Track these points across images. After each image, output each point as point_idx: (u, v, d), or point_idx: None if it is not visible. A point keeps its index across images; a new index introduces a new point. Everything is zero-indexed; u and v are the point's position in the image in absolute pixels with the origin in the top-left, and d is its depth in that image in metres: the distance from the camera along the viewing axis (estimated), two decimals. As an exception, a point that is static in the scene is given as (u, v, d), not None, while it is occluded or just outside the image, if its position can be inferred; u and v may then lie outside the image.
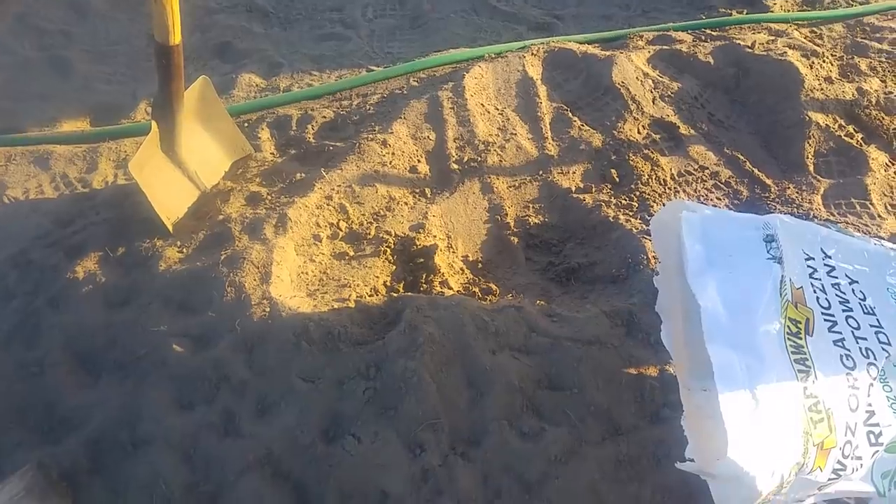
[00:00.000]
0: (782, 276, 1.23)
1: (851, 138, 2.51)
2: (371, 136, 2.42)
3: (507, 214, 2.23)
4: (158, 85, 2.04)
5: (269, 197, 2.23)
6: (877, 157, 2.44)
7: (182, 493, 1.62)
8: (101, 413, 1.74)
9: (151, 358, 1.78)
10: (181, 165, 2.22)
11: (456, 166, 2.36)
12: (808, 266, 1.27)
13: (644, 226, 2.13)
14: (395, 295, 1.89)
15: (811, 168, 2.42)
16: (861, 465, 1.16)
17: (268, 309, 1.80)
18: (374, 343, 1.73)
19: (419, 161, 2.38)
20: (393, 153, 2.36)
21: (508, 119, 2.54)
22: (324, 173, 2.25)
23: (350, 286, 1.94)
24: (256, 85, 2.83)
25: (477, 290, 2.00)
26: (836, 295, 1.24)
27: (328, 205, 2.16)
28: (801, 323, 1.18)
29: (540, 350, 1.77)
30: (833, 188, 2.35)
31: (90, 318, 1.90)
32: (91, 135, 2.64)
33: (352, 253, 2.07)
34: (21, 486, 1.54)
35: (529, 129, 2.52)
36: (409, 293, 1.88)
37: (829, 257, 1.31)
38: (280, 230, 2.03)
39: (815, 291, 1.23)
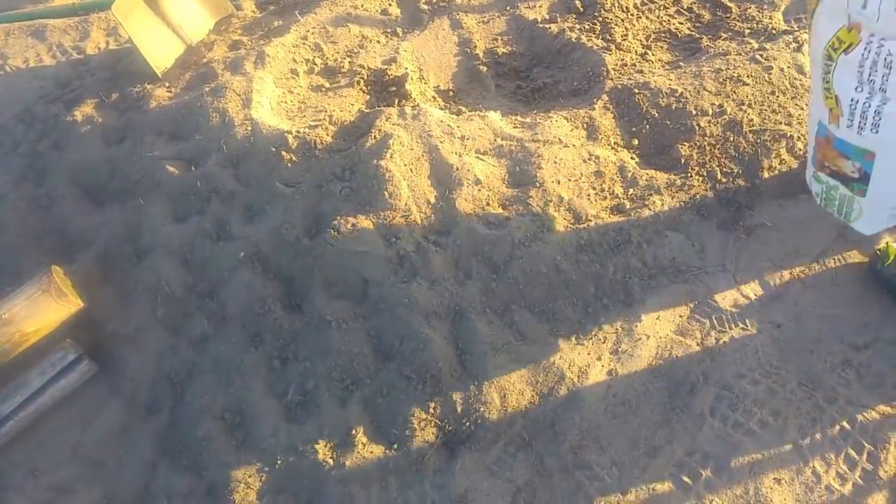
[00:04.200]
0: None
1: (814, -40, 2.33)
2: (344, -16, 2.30)
3: (476, 47, 2.14)
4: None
5: (250, 42, 2.15)
6: (839, -25, 2.28)
7: (183, 291, 1.65)
8: (106, 232, 1.76)
9: (147, 180, 1.77)
10: (165, 18, 2.14)
11: (426, 6, 2.25)
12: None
13: (604, 43, 2.03)
14: (366, 111, 1.84)
15: (773, -11, 2.27)
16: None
17: (250, 129, 1.77)
18: (349, 150, 1.70)
19: (390, 4, 2.27)
20: (365, -3, 2.25)
21: (477, -37, 2.40)
22: (298, 16, 2.15)
23: (326, 111, 1.90)
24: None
25: (448, 112, 1.95)
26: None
27: (304, 44, 2.08)
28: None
29: (504, 152, 1.74)
30: (795, 4, 2.21)
31: (91, 155, 1.89)
32: (81, 7, 2.54)
33: (328, 85, 2.01)
34: (38, 287, 1.58)
35: (497, -29, 2.38)
36: (380, 108, 1.82)
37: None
38: (259, 65, 1.97)
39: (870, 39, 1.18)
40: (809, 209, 1.77)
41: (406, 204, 1.62)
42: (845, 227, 1.74)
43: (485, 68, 2.08)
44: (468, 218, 1.63)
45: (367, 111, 1.82)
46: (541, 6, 2.25)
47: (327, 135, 1.73)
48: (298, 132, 1.72)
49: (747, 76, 1.88)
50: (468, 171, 1.67)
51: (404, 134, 1.68)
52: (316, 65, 2.05)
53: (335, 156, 1.68)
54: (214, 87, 1.89)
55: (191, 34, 2.21)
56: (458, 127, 1.74)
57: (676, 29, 2.16)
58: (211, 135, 1.78)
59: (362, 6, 2.23)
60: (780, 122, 1.83)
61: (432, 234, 1.62)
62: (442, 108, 1.97)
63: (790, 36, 2.00)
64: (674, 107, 1.83)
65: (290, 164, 1.68)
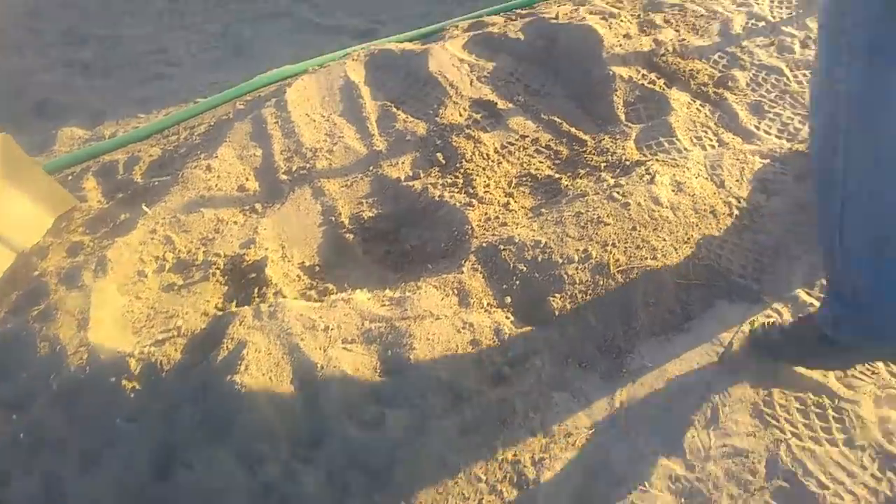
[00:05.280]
0: None
1: (654, 84, 2.56)
2: (196, 163, 2.28)
3: (340, 214, 2.14)
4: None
5: (92, 244, 2.05)
6: (678, 97, 2.50)
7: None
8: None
9: (-37, 438, 1.58)
10: (-9, 230, 2.02)
11: (285, 177, 2.25)
12: None
13: (467, 198, 2.09)
14: (219, 314, 1.75)
15: (622, 117, 2.45)
16: None
17: (85, 356, 1.64)
18: (200, 365, 1.59)
19: (247, 179, 2.26)
20: (218, 176, 2.23)
21: (335, 124, 2.46)
22: (146, 209, 2.09)
23: (178, 315, 1.80)
24: (80, 137, 2.64)
25: (314, 293, 1.90)
26: None
27: (152, 239, 2.01)
28: None
29: (373, 336, 1.69)
30: (643, 132, 2.38)
31: None
32: None
33: (181, 282, 1.92)
34: None
35: (357, 130, 2.44)
36: (233, 309, 1.75)
37: None
38: (100, 273, 1.86)
39: None
40: (687, 342, 1.81)
41: (267, 420, 1.51)
42: (723, 353, 1.79)
43: (351, 236, 2.07)
44: (339, 422, 1.54)
45: (220, 314, 1.74)
46: (403, 162, 2.30)
47: (176, 350, 1.63)
48: (142, 353, 1.60)
49: (607, 216, 1.96)
50: (335, 367, 1.60)
51: (261, 338, 1.61)
52: (167, 260, 1.97)
53: (185, 375, 1.57)
54: (45, 309, 1.76)
55: (23, 239, 2.09)
56: (321, 317, 1.69)
57: (537, 169, 2.26)
58: (39, 370, 1.63)
59: (216, 186, 2.20)
60: (646, 258, 1.90)
61: (301, 449, 1.51)
62: (307, 288, 1.93)
63: (642, 167, 2.13)
64: (540, 259, 1.86)
65: (132, 395, 1.55)
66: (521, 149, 2.36)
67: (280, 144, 2.37)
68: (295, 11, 3.22)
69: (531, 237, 1.90)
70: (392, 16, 3.17)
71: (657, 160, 2.21)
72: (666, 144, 2.31)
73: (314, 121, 2.47)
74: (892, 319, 1.36)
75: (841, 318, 1.43)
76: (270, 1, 3.28)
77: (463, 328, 1.72)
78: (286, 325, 1.65)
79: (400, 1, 3.27)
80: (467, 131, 2.39)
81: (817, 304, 1.88)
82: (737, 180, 2.19)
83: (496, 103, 2.52)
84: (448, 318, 1.73)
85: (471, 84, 2.60)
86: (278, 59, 2.95)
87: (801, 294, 1.90)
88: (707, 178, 2.17)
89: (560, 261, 1.86)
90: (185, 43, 3.10)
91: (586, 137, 2.39)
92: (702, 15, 2.98)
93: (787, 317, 1.85)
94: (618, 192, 2.03)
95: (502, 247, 1.89)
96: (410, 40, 2.91)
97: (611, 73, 2.54)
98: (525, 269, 1.85)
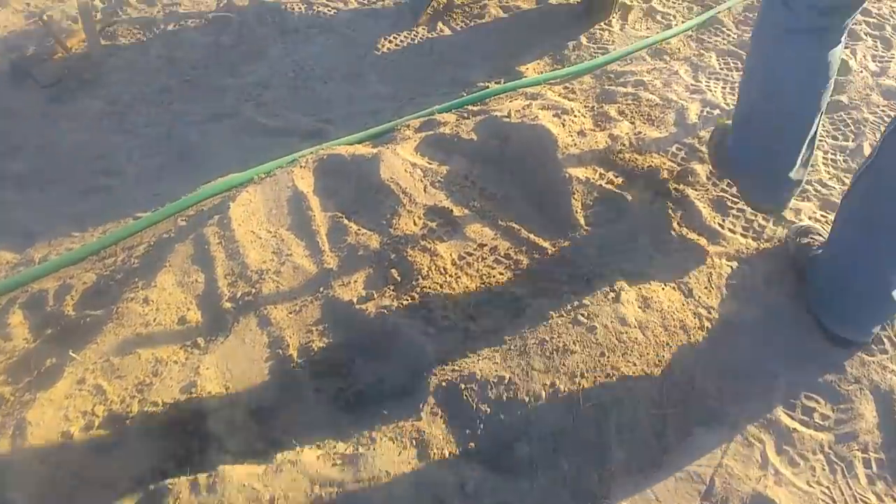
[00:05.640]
0: None
1: (612, 184, 2.56)
2: (133, 294, 2.16)
3: (289, 346, 2.03)
4: None
5: (13, 397, 1.89)
6: (638, 197, 2.50)
7: None
8: None
9: None
10: None
11: (229, 304, 2.14)
12: None
13: (426, 325, 2.00)
14: (151, 488, 1.61)
15: (582, 221, 2.43)
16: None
17: (-6, 552, 1.47)
18: (127, 558, 1.44)
19: (188, 309, 2.14)
20: (157, 309, 2.11)
21: (283, 240, 2.37)
22: (73, 354, 1.95)
23: (108, 485, 1.64)
24: (8, 262, 2.50)
25: (260, 444, 1.77)
26: None
27: (80, 391, 1.86)
28: None
29: (324, 504, 1.56)
30: (604, 237, 2.36)
31: None
32: None
33: (112, 440, 1.77)
34: None
35: (306, 246, 2.36)
36: (167, 482, 1.60)
37: None
38: (18, 440, 1.70)
39: None
40: (665, 480, 1.73)
41: None
42: (707, 490, 1.71)
43: (300, 371, 1.96)
44: None
45: (153, 489, 1.59)
46: (356, 281, 2.22)
47: (99, 539, 1.47)
48: (59, 548, 1.45)
49: (573, 342, 1.90)
50: (282, 547, 1.46)
51: (197, 520, 1.47)
52: (96, 415, 1.82)
53: (109, 571, 1.42)
54: (-48, 491, 1.59)
55: (-62, 394, 1.92)
56: (266, 486, 1.56)
57: (497, 282, 2.20)
58: (-60, 572, 1.46)
59: (155, 321, 2.08)
60: (617, 388, 1.83)
61: None
62: (254, 439, 1.79)
63: (606, 283, 2.09)
64: (504, 397, 1.78)
65: None
66: (480, 259, 2.30)
67: (224, 267, 2.26)
68: (241, 112, 3.17)
69: (494, 372, 1.82)
70: (341, 114, 3.14)
71: (620, 272, 2.17)
72: (629, 252, 2.29)
73: (260, 238, 2.38)
74: (735, 161, 2.25)
75: (729, 145, 2.28)
76: (215, 101, 3.23)
77: (424, 486, 1.61)
78: (227, 500, 1.51)
79: (349, 99, 3.26)
80: (423, 242, 2.33)
81: (801, 427, 1.84)
82: (705, 288, 2.16)
83: (452, 210, 2.48)
84: (407, 477, 1.61)
85: (424, 190, 2.56)
86: (225, 163, 2.88)
87: (782, 416, 1.85)
88: (674, 289, 2.14)
89: (526, 398, 1.78)
90: (125, 149, 3.00)
91: (546, 244, 2.35)
92: (656, 104, 3.04)
93: (770, 445, 1.79)
94: (582, 315, 1.97)
95: (463, 385, 1.80)
96: (360, 141, 2.88)
97: (567, 175, 2.53)
98: (489, 409, 1.76)
